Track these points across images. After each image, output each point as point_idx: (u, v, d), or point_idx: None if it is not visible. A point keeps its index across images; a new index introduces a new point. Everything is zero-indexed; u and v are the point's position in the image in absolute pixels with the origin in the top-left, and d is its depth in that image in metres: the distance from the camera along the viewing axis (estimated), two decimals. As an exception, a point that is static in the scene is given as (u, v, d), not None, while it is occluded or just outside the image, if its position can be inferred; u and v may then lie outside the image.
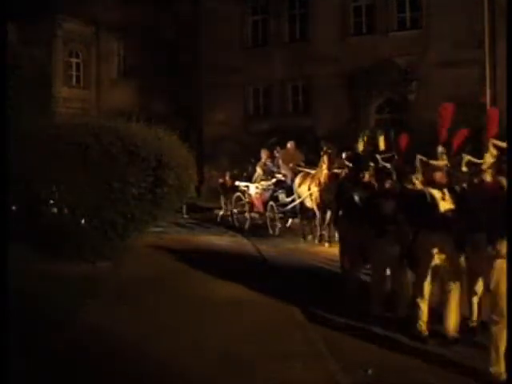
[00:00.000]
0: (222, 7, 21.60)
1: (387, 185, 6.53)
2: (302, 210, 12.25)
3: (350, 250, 7.35)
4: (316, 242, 11.48)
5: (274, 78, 21.28)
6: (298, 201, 12.24)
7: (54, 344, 5.21)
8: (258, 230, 13.23)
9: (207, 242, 11.71)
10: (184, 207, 15.87)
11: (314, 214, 11.77)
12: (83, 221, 8.47)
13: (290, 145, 13.49)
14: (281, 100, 21.68)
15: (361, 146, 10.05)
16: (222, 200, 15.57)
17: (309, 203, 11.80)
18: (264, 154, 14.00)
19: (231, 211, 14.73)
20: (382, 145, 9.43)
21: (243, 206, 14.13)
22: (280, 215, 12.94)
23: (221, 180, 16.41)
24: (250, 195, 13.85)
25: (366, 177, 7.47)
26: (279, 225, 12.92)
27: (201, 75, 22.35)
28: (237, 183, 14.73)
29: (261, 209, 13.45)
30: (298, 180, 12.33)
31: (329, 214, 11.40)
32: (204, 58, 22.24)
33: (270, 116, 21.59)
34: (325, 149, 11.42)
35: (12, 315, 4.66)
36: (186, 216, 16.08)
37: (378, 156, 9.38)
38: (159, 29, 22.20)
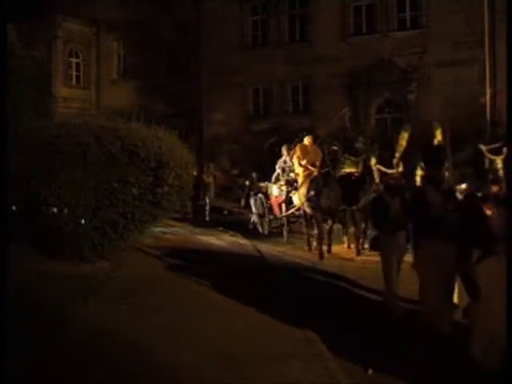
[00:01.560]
0: (222, 7, 21.61)
1: (495, 189, 5.08)
2: (305, 215, 11.10)
3: (432, 280, 5.60)
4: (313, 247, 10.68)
5: (274, 78, 21.28)
6: (297, 205, 11.45)
7: (54, 344, 5.21)
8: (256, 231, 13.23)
9: (207, 241, 11.70)
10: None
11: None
12: (83, 221, 8.45)
13: (306, 140, 11.86)
14: (281, 100, 21.66)
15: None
16: (253, 204, 13.89)
17: (307, 208, 10.80)
18: (285, 151, 12.54)
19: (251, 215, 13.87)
20: (439, 137, 8.34)
21: (264, 208, 13.09)
22: (291, 219, 12.06)
23: (247, 182, 15.23)
24: (270, 196, 12.86)
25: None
26: (285, 229, 12.16)
27: (201, 75, 22.36)
28: (261, 184, 13.74)
29: (277, 212, 12.57)
30: (300, 179, 11.30)
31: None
32: (204, 58, 22.24)
33: (270, 116, 21.58)
34: (327, 147, 10.44)
35: (12, 315, 4.66)
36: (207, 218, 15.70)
37: (483, 147, 8.24)
38: (159, 29, 22.17)
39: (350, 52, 19.66)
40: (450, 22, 17.81)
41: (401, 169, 8.58)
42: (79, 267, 8.06)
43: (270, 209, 12.83)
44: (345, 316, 6.48)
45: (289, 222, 12.43)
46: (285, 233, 12.19)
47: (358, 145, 13.42)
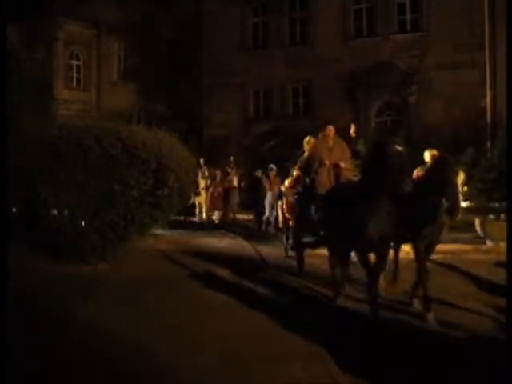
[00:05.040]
0: (223, 8, 21.66)
1: None
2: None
3: None
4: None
5: (275, 80, 21.31)
6: None
7: (55, 344, 5.21)
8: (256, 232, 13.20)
9: (207, 244, 11.69)
10: None
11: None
12: (83, 223, 8.46)
13: (328, 131, 8.52)
14: (281, 102, 21.69)
15: None
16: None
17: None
18: (307, 145, 9.08)
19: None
20: None
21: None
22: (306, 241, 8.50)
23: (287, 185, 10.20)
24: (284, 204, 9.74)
25: None
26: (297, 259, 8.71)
27: (201, 77, 22.40)
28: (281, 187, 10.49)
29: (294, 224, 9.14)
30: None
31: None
32: (204, 60, 22.28)
33: (270, 118, 21.60)
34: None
35: (12, 315, 4.66)
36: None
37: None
38: (159, 29, 22.22)
39: (351, 54, 19.69)
40: (450, 25, 17.85)
41: None
42: (79, 269, 8.06)
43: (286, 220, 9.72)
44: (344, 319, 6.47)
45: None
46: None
47: (359, 147, 13.35)
